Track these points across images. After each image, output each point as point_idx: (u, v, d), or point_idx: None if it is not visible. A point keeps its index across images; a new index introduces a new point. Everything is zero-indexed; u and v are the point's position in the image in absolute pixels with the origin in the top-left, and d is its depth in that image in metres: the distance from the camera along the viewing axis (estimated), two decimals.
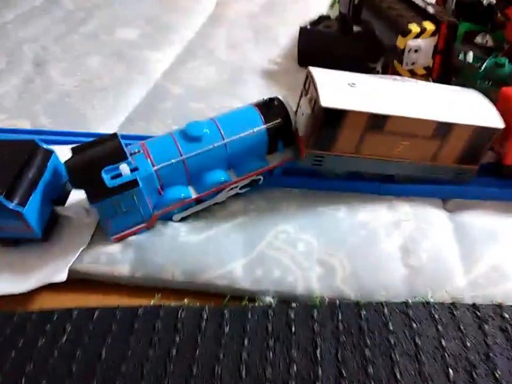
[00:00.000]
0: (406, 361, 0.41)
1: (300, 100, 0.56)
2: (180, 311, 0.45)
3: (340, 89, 0.50)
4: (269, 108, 0.54)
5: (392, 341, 0.42)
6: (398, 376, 0.40)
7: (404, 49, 0.65)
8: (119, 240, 0.51)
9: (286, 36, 0.96)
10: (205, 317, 0.44)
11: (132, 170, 0.48)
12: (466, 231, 0.52)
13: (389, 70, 0.69)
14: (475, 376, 0.40)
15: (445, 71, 0.67)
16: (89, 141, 0.51)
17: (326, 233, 0.52)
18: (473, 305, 0.45)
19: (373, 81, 0.54)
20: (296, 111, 0.56)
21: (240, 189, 0.55)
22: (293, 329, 0.43)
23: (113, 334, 0.43)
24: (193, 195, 0.53)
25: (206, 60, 0.89)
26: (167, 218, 0.53)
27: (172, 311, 0.45)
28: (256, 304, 0.46)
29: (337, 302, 0.45)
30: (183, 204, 0.53)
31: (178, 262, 0.49)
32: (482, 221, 0.53)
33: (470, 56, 0.63)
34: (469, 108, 0.53)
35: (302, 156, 0.52)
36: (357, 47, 0.78)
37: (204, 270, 0.48)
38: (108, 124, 0.70)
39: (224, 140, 0.52)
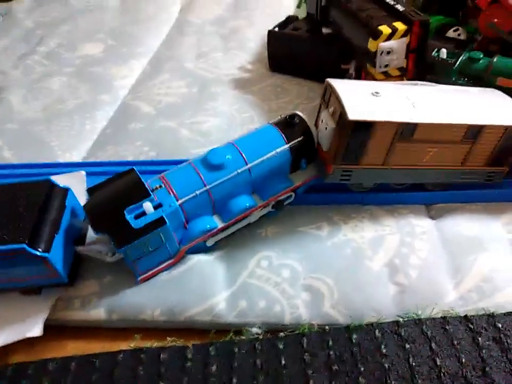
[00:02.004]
0: None
1: (319, 113, 0.54)
2: (162, 354, 0.43)
3: (364, 99, 0.48)
4: (289, 125, 0.52)
5: (387, 366, 0.41)
6: None
7: (376, 52, 0.63)
8: (146, 280, 0.48)
9: (255, 39, 0.94)
10: (189, 356, 0.42)
11: (156, 207, 0.45)
12: (453, 240, 0.51)
13: (362, 72, 0.67)
14: None
15: (419, 70, 0.65)
16: (106, 179, 0.48)
17: (309, 256, 0.50)
18: (465, 317, 0.44)
19: (395, 89, 0.52)
20: (316, 124, 0.54)
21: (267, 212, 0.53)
22: (283, 361, 0.41)
23: None
24: (220, 225, 0.50)
25: (174, 73, 0.86)
26: (194, 251, 0.51)
27: (153, 353, 0.43)
28: (243, 337, 0.44)
29: (327, 328, 0.44)
30: (210, 235, 0.50)
31: (157, 300, 0.46)
32: (468, 227, 0.52)
33: (444, 53, 0.62)
34: (495, 107, 0.52)
35: (328, 171, 0.50)
36: (328, 50, 0.76)
37: (185, 307, 0.46)
38: (75, 151, 0.67)
39: (247, 164, 0.50)
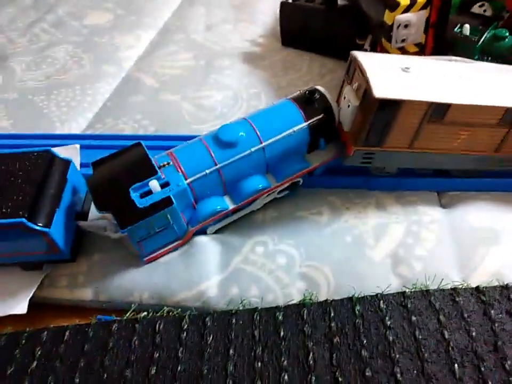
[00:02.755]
0: (407, 360, 0.37)
1: (341, 88, 0.50)
2: (157, 323, 0.41)
3: (392, 75, 0.44)
4: (309, 101, 0.48)
5: (391, 338, 0.38)
6: (399, 377, 0.36)
7: (392, 25, 0.59)
8: (152, 260, 0.46)
9: (267, 11, 0.90)
10: (185, 326, 0.41)
11: (163, 186, 0.43)
12: (464, 231, 0.47)
13: (378, 48, 0.64)
14: (483, 369, 0.36)
15: (439, 46, 0.61)
16: (111, 154, 0.45)
17: (307, 243, 0.47)
18: (477, 288, 0.41)
19: (427, 65, 0.48)
20: (337, 101, 0.50)
21: (278, 193, 0.50)
22: (282, 333, 0.40)
23: (86, 356, 0.39)
24: (231, 206, 0.47)
25: (182, 45, 0.83)
26: (202, 232, 0.49)
27: (148, 323, 0.41)
28: (241, 307, 0.42)
29: (329, 299, 0.42)
30: (220, 216, 0.48)
31: (146, 283, 0.44)
32: (481, 218, 0.48)
33: (467, 29, 0.57)
34: None
35: (349, 153, 0.46)
36: (343, 23, 0.72)
37: (174, 291, 0.44)
38: (73, 123, 0.65)
39: (262, 143, 0.46)
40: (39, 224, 0.41)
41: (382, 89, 0.42)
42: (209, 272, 0.45)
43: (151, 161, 0.44)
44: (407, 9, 0.58)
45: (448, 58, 0.51)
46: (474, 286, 0.42)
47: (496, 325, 0.39)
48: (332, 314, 0.40)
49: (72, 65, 0.78)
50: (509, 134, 0.47)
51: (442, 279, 0.43)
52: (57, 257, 0.45)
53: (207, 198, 0.47)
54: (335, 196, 0.52)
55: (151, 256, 0.46)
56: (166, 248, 0.47)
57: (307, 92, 0.49)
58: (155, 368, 0.38)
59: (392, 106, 0.42)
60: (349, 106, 0.46)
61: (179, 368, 0.38)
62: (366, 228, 0.48)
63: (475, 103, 0.44)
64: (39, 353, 0.40)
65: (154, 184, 0.42)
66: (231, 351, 0.39)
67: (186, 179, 0.45)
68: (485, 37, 0.57)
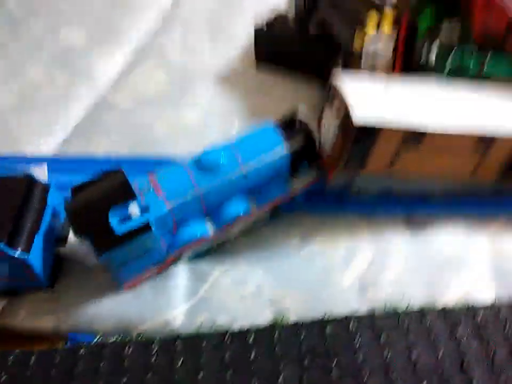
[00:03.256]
0: (376, 380, 0.37)
1: (322, 111, 0.50)
2: (126, 347, 0.40)
3: (372, 99, 0.45)
4: (290, 125, 0.48)
5: (361, 358, 0.39)
6: None
7: (361, 53, 0.61)
8: (131, 287, 0.46)
9: (244, 33, 0.91)
10: (155, 351, 0.40)
11: (142, 210, 0.42)
12: (432, 255, 0.48)
13: None
14: None
15: (408, 72, 0.63)
16: (91, 179, 0.44)
17: (277, 269, 0.47)
18: (443, 309, 0.42)
19: (407, 86, 0.49)
20: (318, 124, 0.50)
21: (260, 218, 0.50)
22: (252, 356, 0.39)
23: (51, 382, 0.38)
24: (211, 232, 0.47)
25: (157, 65, 0.84)
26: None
27: (117, 347, 0.40)
28: (212, 330, 0.42)
29: (300, 321, 0.42)
30: (201, 243, 0.47)
31: (111, 311, 0.44)
32: (449, 242, 0.50)
33: (433, 54, 0.59)
34: None
35: (330, 177, 0.47)
36: (316, 50, 0.74)
37: (140, 320, 0.43)
38: (43, 145, 0.64)
39: (242, 168, 0.46)
40: (18, 249, 0.40)
41: (361, 116, 0.42)
42: (177, 300, 0.45)
43: (131, 186, 0.43)
44: (375, 38, 0.60)
45: (431, 78, 0.52)
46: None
47: (462, 345, 0.40)
48: (303, 335, 0.41)
49: (44, 85, 0.77)
50: (484, 160, 0.48)
51: (410, 301, 0.43)
52: (34, 284, 0.44)
53: (188, 223, 0.46)
54: (307, 220, 0.52)
55: (129, 283, 0.45)
56: (145, 275, 0.46)
57: (288, 116, 0.49)
58: None
59: (370, 132, 0.43)
60: (329, 130, 0.47)
61: None
62: (336, 253, 0.49)
63: (450, 132, 0.45)
64: (3, 378, 0.39)
65: (133, 209, 0.41)
66: (200, 376, 0.38)
67: (166, 204, 0.44)
68: (452, 59, 0.58)
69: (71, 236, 0.46)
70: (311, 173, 0.50)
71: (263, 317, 0.43)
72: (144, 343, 0.41)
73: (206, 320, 0.43)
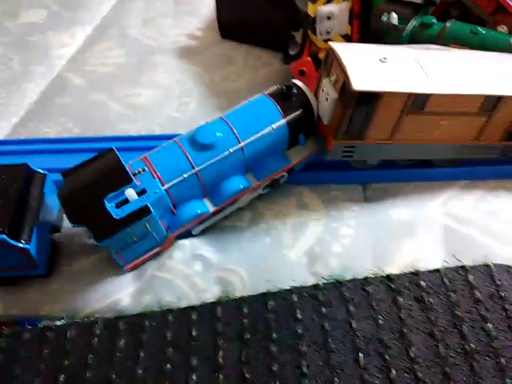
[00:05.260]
0: (314, 352, 0.38)
1: (318, 81, 0.49)
2: (69, 330, 0.40)
3: (370, 66, 0.43)
4: (286, 96, 0.47)
5: (300, 331, 0.39)
6: (305, 370, 0.37)
7: (315, 17, 0.59)
8: (134, 269, 0.45)
9: (209, 4, 0.89)
10: (97, 332, 0.40)
11: (139, 193, 0.41)
12: (382, 224, 0.48)
13: (307, 40, 0.63)
14: (387, 358, 0.37)
15: (365, 37, 0.61)
16: (82, 162, 0.43)
17: (226, 246, 0.47)
18: (388, 276, 0.42)
19: (405, 54, 0.46)
20: (315, 94, 0.49)
21: (263, 189, 0.49)
22: (194, 333, 0.39)
23: None
24: (211, 209, 0.46)
25: (116, 41, 0.81)
26: (185, 236, 0.48)
27: (60, 330, 0.40)
28: (157, 309, 0.42)
29: (245, 295, 0.42)
30: (201, 219, 0.47)
31: (57, 295, 0.44)
32: (400, 210, 0.49)
33: (394, 18, 0.56)
34: None
35: (329, 147, 0.45)
36: (278, 14, 0.71)
37: (87, 303, 0.43)
38: None
39: (240, 143, 0.45)
40: (21, 241, 0.40)
41: (360, 81, 0.41)
42: (124, 281, 0.44)
43: (125, 168, 0.42)
44: (328, 1, 0.58)
45: (426, 46, 0.50)
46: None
47: (403, 312, 0.39)
48: (245, 310, 0.40)
49: (0, 66, 0.75)
50: (488, 122, 0.47)
51: (358, 272, 0.43)
52: (33, 272, 0.43)
53: (187, 202, 0.46)
54: (257, 200, 0.51)
55: (131, 264, 0.45)
56: (146, 256, 0.46)
57: (284, 87, 0.48)
58: (63, 376, 0.38)
59: (371, 98, 0.42)
60: (327, 99, 0.45)
61: (87, 374, 0.38)
62: (285, 227, 0.48)
63: (454, 92, 0.43)
64: None
65: (130, 193, 0.41)
66: (141, 355, 0.38)
67: (163, 185, 0.43)
68: (412, 25, 0.56)
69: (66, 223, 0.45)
70: (310, 145, 0.49)
71: (210, 294, 0.43)
72: (87, 325, 0.41)
73: (153, 300, 0.43)
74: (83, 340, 0.40)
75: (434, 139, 0.47)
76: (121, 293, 0.44)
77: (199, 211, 0.46)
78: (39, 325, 0.41)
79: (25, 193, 0.43)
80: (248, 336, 0.39)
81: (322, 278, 0.43)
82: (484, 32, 0.54)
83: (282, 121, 0.46)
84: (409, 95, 0.42)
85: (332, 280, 0.42)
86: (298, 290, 0.41)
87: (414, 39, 0.56)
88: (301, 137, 0.48)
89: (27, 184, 0.44)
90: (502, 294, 0.40)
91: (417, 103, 0.43)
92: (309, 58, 0.61)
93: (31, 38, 0.83)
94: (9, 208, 0.41)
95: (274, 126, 0.46)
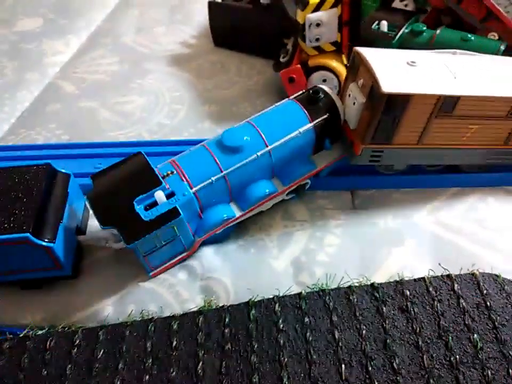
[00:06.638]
0: (295, 364, 0.37)
1: (344, 85, 0.48)
2: (49, 340, 0.40)
3: (399, 70, 0.43)
4: (313, 101, 0.47)
5: (282, 342, 0.38)
6: (286, 381, 0.36)
7: (304, 25, 0.58)
8: (158, 275, 0.45)
9: (203, 12, 0.89)
10: (77, 342, 0.40)
11: (168, 196, 0.41)
12: (369, 233, 0.47)
13: (298, 48, 0.63)
14: (370, 369, 0.36)
15: (355, 44, 0.61)
16: (110, 165, 0.43)
17: (211, 258, 0.46)
18: (372, 285, 0.41)
19: (433, 58, 0.46)
20: (341, 100, 0.49)
21: (286, 195, 0.49)
22: (174, 343, 0.39)
23: None
24: (237, 213, 0.46)
25: (109, 49, 0.82)
26: (209, 242, 0.47)
27: (40, 340, 0.40)
28: (139, 318, 0.41)
29: (226, 305, 0.41)
30: (228, 224, 0.46)
31: (40, 304, 0.43)
32: (387, 218, 0.48)
33: (384, 25, 0.56)
34: None
35: (356, 152, 0.45)
36: (269, 22, 0.71)
37: (69, 312, 0.42)
38: None
39: (268, 146, 0.45)
40: (45, 240, 0.40)
41: (389, 84, 0.41)
42: (107, 290, 0.44)
43: (154, 171, 0.42)
44: (317, 8, 0.58)
45: (452, 51, 0.50)
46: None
47: (387, 322, 0.39)
48: (227, 320, 0.40)
49: None
50: None
51: (342, 278, 0.42)
52: (59, 273, 0.43)
53: (214, 207, 0.46)
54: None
55: (157, 270, 0.45)
56: (172, 261, 0.45)
57: (311, 91, 0.48)
58: None
59: (400, 101, 0.41)
60: (354, 103, 0.45)
61: None
62: (271, 238, 0.48)
63: (484, 94, 0.43)
64: None
65: (160, 195, 0.41)
66: (120, 365, 0.38)
67: (191, 188, 0.43)
68: (402, 32, 0.56)
69: (90, 224, 0.46)
70: (336, 149, 0.49)
71: (194, 304, 0.42)
72: (67, 335, 0.40)
73: (135, 310, 0.42)
74: (63, 350, 0.39)
75: (462, 144, 0.47)
76: (104, 303, 0.43)
77: (225, 216, 0.45)
78: (20, 334, 0.41)
79: (49, 193, 0.43)
80: (229, 346, 0.38)
81: (307, 287, 0.42)
82: (473, 39, 0.54)
83: (309, 125, 0.46)
84: (438, 97, 0.42)
85: (315, 289, 0.41)
86: (281, 299, 0.41)
87: (404, 46, 0.56)
88: (327, 142, 0.48)
89: (51, 184, 0.44)
90: (489, 304, 0.39)
91: (446, 106, 0.43)
92: (298, 66, 0.61)
93: (26, 46, 0.83)
94: (33, 207, 0.41)
95: (301, 130, 0.46)
